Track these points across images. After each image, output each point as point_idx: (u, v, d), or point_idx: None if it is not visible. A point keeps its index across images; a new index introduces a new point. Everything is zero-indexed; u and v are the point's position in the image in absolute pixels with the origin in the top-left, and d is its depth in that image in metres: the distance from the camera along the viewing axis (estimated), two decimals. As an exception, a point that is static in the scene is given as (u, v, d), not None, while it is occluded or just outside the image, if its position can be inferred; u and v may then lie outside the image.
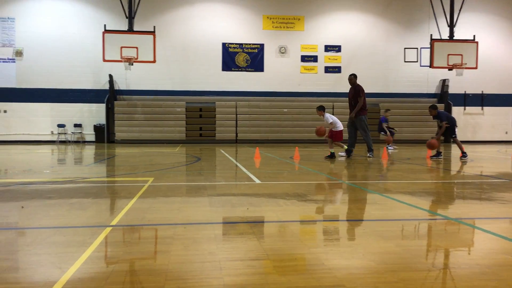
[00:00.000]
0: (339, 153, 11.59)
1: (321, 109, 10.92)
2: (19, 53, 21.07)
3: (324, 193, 5.65)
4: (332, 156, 10.62)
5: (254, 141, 21.19)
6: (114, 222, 3.72)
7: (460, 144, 11.12)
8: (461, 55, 19.08)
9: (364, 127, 11.23)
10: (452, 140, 11.32)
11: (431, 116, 11.26)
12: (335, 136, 10.78)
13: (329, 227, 3.75)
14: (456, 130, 11.21)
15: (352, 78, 11.40)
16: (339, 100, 22.23)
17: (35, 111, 21.25)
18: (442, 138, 11.44)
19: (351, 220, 3.85)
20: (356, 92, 11.17)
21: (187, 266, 2.56)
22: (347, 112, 23.06)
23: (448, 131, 11.10)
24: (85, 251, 2.84)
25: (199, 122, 21.58)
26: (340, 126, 10.88)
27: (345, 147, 10.78)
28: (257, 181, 6.58)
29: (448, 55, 19.04)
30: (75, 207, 4.41)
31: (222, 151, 14.28)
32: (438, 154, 11.04)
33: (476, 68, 19.55)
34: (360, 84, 11.33)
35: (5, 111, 21.13)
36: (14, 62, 21.08)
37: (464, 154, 10.87)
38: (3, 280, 2.32)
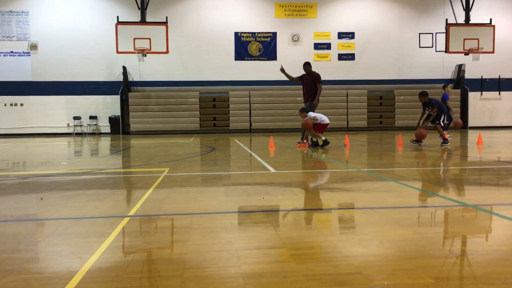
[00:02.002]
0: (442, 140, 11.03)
1: (303, 111, 10.79)
2: (34, 47, 21.28)
3: (340, 181, 5.63)
4: (315, 145, 10.64)
5: (268, 130, 21.17)
6: (131, 213, 3.76)
7: (441, 130, 10.89)
8: (477, 39, 18.73)
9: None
10: (433, 125, 10.89)
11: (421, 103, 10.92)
12: (317, 128, 10.73)
13: (345, 215, 3.74)
14: (442, 117, 10.88)
15: (307, 66, 11.26)
16: (352, 88, 22.06)
17: (51, 104, 21.50)
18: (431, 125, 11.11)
19: (367, 208, 3.84)
20: (314, 78, 11.03)
21: (205, 255, 2.58)
22: (362, 100, 22.92)
23: (434, 117, 10.87)
24: (104, 241, 2.88)
25: (213, 112, 21.61)
26: (326, 120, 10.81)
27: (323, 138, 10.66)
28: (272, 170, 6.59)
29: (464, 39, 18.71)
30: (93, 198, 4.47)
31: (236, 141, 14.31)
32: (419, 140, 10.81)
33: (493, 52, 19.18)
34: (313, 71, 11.21)
35: (21, 104, 21.42)
36: (29, 55, 21.31)
37: (445, 141, 10.73)
38: (25, 271, 2.37)
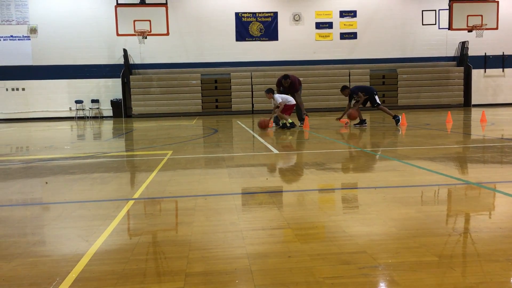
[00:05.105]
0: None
1: (270, 91, 10.81)
2: (33, 30, 21.14)
3: (343, 161, 5.64)
4: (283, 127, 10.69)
5: (271, 111, 21.08)
6: (136, 195, 3.78)
7: (386, 110, 10.97)
8: (481, 15, 18.53)
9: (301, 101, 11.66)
10: (376, 108, 10.96)
11: (347, 97, 10.99)
12: (285, 110, 10.76)
13: (349, 194, 3.76)
14: (377, 97, 10.91)
15: (285, 80, 11.25)
16: (355, 67, 21.91)
17: (53, 88, 21.46)
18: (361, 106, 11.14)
19: (371, 187, 3.85)
20: (291, 88, 11.23)
21: (210, 236, 2.60)
22: (364, 79, 22.81)
23: (369, 102, 10.92)
24: (110, 224, 2.90)
25: (215, 94, 21.54)
26: (292, 101, 10.84)
27: (290, 121, 10.67)
28: (275, 151, 6.59)
29: (468, 16, 18.51)
30: (97, 181, 4.49)
31: (238, 122, 14.30)
32: (362, 122, 10.84)
33: (496, 28, 18.99)
34: (291, 80, 11.28)
35: (23, 89, 21.39)
36: (29, 39, 21.18)
37: (395, 116, 10.69)
38: (33, 254, 2.40)
